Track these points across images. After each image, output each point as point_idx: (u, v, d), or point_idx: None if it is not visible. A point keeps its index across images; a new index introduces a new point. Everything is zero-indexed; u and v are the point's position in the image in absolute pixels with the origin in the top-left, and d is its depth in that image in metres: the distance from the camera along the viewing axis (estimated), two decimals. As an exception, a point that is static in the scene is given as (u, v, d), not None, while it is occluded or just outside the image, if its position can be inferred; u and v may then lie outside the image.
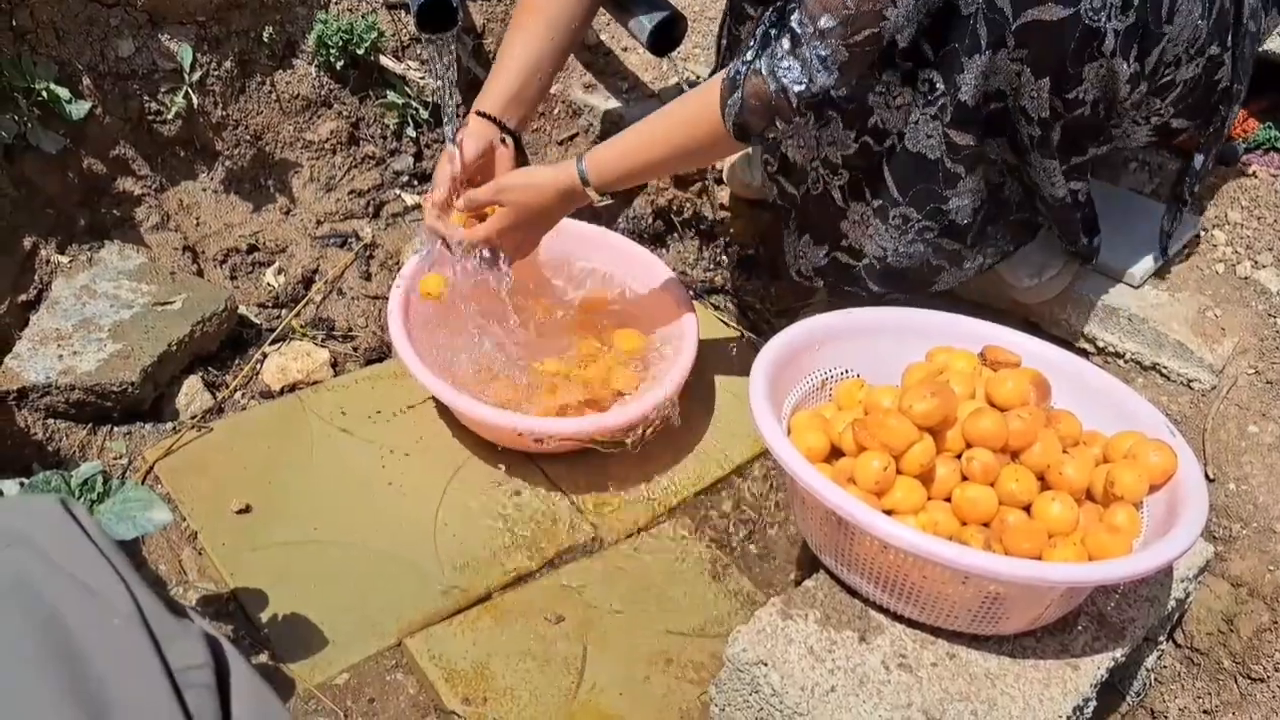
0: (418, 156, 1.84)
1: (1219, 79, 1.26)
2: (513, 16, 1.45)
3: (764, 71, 1.14)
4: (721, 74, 1.20)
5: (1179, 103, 1.26)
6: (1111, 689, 1.27)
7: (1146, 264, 1.46)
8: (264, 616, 1.21)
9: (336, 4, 1.74)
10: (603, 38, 1.80)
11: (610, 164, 1.29)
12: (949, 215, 1.26)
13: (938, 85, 1.15)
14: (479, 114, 1.41)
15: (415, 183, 1.84)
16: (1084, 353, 1.45)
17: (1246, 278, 1.49)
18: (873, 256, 1.32)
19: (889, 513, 1.03)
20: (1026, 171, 1.25)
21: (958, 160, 1.20)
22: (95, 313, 1.45)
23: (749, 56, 1.16)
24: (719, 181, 1.77)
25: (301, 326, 1.61)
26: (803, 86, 1.13)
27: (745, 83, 1.16)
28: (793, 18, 1.11)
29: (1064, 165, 1.24)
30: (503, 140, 1.41)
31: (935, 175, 1.22)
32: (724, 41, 1.60)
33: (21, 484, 0.99)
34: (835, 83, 1.13)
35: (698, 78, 1.89)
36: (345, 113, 1.77)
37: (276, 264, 1.68)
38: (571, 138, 1.88)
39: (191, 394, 1.46)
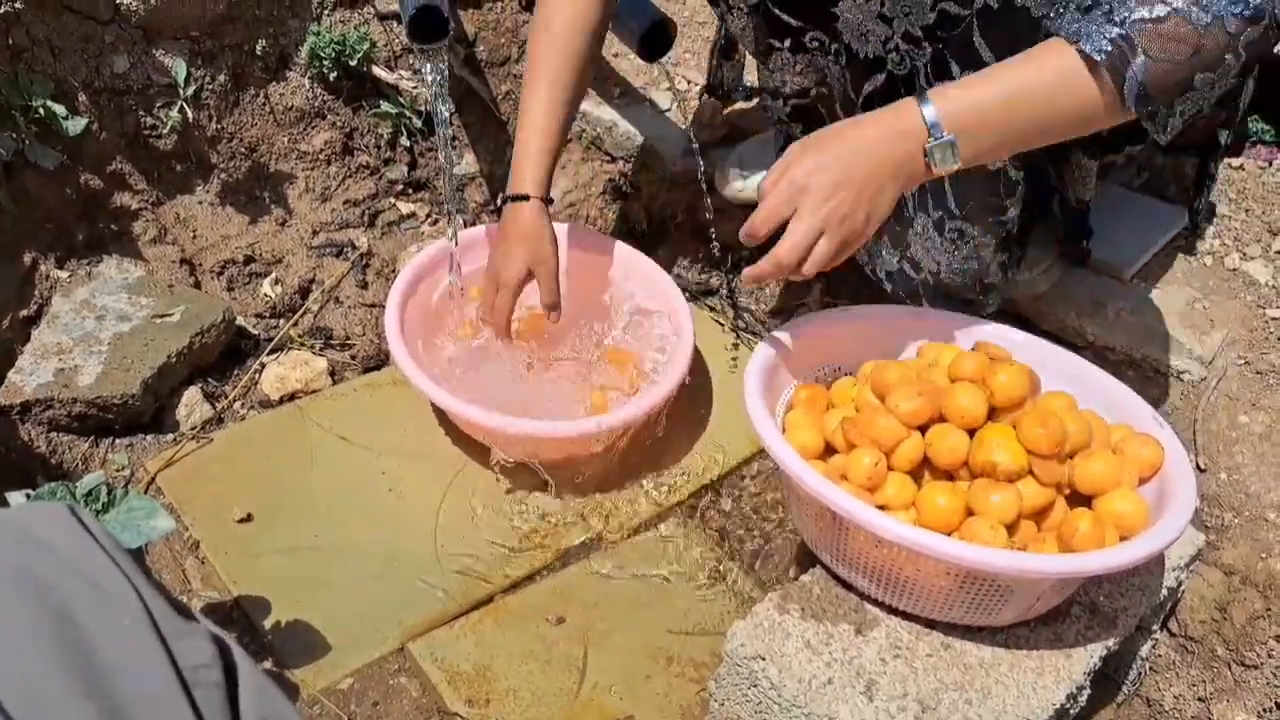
0: (412, 165, 1.86)
1: None
2: (524, 83, 1.37)
3: (1180, 8, 0.89)
4: (1067, 51, 0.94)
5: None
6: (1107, 679, 1.28)
7: (1135, 258, 1.47)
8: (267, 624, 1.22)
9: (329, 16, 1.75)
10: (593, 44, 1.82)
11: (976, 122, 0.97)
12: (1007, 226, 1.20)
13: None
14: (530, 198, 1.32)
15: (410, 191, 1.85)
16: (1074, 347, 1.46)
17: (1235, 269, 1.50)
18: (928, 271, 1.29)
19: (882, 508, 1.04)
20: (1062, 172, 1.18)
21: (1020, 167, 1.14)
22: (95, 326, 1.47)
23: (1120, 17, 0.91)
24: (711, 185, 1.78)
25: (299, 336, 1.63)
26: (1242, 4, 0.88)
27: (1144, 39, 0.91)
28: None
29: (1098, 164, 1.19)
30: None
31: (996, 184, 1.17)
32: (714, 60, 1.59)
33: (28, 495, 1.01)
34: None
35: (690, 83, 1.91)
36: (339, 123, 1.79)
37: (273, 274, 1.69)
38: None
39: (191, 405, 1.48)
